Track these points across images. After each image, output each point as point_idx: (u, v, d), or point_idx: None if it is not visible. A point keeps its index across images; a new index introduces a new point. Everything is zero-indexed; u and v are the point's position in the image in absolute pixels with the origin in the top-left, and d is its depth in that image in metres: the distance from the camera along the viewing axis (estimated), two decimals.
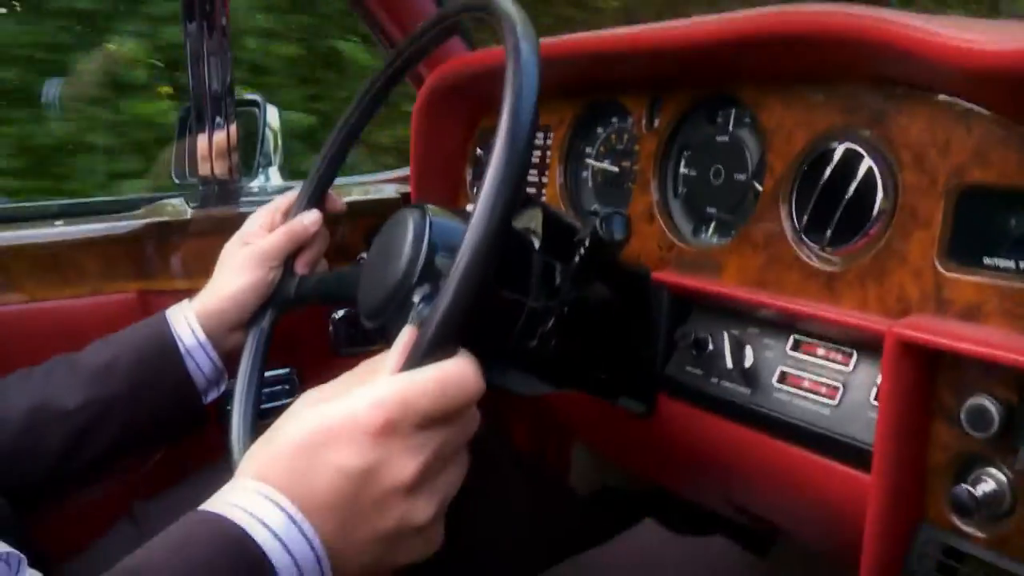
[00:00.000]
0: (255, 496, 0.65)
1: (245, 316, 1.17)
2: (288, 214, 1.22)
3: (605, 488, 1.86)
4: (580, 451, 1.85)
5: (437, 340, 0.71)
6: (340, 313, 1.58)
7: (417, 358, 0.71)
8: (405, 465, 0.68)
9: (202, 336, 1.15)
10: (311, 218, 1.20)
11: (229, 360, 1.19)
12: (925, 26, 0.77)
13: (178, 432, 1.20)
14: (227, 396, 1.38)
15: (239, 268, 1.17)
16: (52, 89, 2.95)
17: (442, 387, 0.69)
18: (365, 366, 0.75)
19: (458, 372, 0.71)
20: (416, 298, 0.86)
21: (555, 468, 1.86)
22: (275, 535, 0.63)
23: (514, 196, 0.73)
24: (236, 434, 1.04)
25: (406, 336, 0.74)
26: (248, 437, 1.03)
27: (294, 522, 0.64)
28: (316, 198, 1.22)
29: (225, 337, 1.17)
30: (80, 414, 1.08)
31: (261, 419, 1.08)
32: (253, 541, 0.63)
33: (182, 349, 1.14)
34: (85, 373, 1.10)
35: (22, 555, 0.76)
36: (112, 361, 1.11)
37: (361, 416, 0.67)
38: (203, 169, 1.53)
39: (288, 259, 1.19)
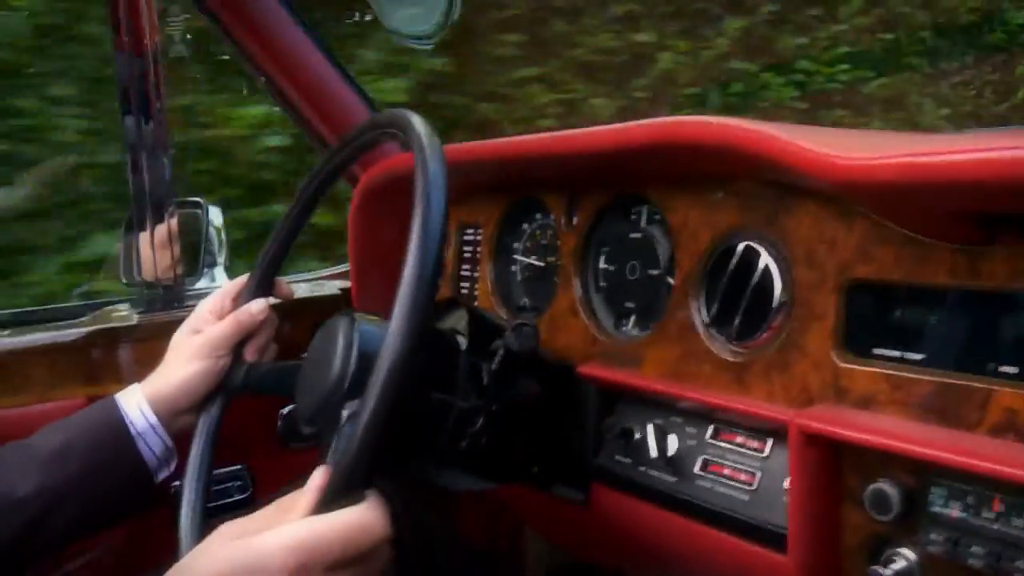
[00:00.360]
0: None
1: (194, 401, 1.18)
2: (238, 300, 1.22)
3: (559, 569, 1.86)
4: (531, 536, 1.86)
5: (344, 486, 0.76)
6: (287, 408, 1.59)
7: (327, 501, 0.75)
8: None
9: (153, 419, 1.15)
10: (258, 306, 1.21)
11: (178, 440, 1.19)
12: (793, 139, 0.82)
13: (130, 512, 1.20)
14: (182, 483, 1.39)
15: (189, 356, 1.17)
16: None
17: (348, 534, 0.73)
18: (278, 505, 0.79)
19: (364, 519, 0.75)
20: (345, 413, 0.89)
21: (508, 555, 1.86)
22: None
23: (422, 316, 0.77)
24: (185, 533, 1.05)
25: (318, 479, 0.78)
26: (196, 537, 1.04)
27: None
28: (264, 286, 1.23)
29: (173, 421, 1.17)
30: (35, 501, 1.08)
31: (211, 516, 1.09)
32: None
33: (133, 432, 1.14)
34: (38, 459, 1.10)
35: None
36: (65, 446, 1.12)
37: (276, 560, 0.71)
38: (147, 272, 1.54)
39: (237, 346, 1.20)
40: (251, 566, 0.70)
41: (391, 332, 0.76)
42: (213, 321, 1.20)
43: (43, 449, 1.11)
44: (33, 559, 1.12)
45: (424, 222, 0.80)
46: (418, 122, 0.90)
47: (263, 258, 1.23)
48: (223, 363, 1.18)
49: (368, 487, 0.77)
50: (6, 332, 1.45)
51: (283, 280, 1.28)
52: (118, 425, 1.14)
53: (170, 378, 1.17)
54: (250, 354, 1.21)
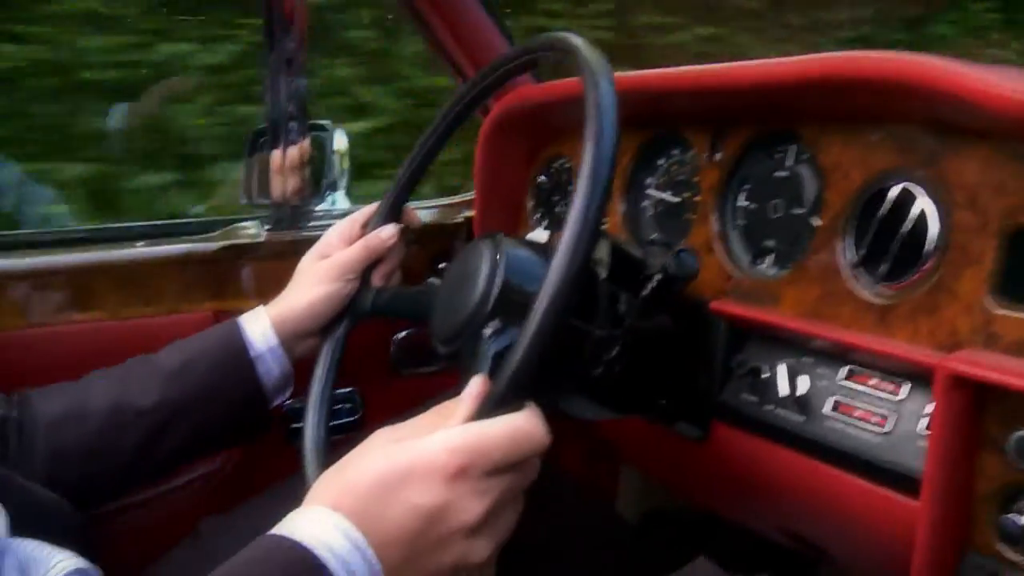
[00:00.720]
0: (328, 526, 0.70)
1: (318, 326, 1.21)
2: (366, 227, 1.25)
3: (653, 513, 1.88)
4: (627, 476, 1.88)
5: (508, 394, 0.77)
6: (402, 334, 1.63)
7: (488, 409, 0.77)
8: (471, 508, 0.73)
9: (274, 341, 1.19)
10: (389, 232, 1.23)
11: (298, 367, 1.23)
12: (980, 75, 0.81)
13: (244, 434, 1.24)
14: (294, 415, 1.43)
15: (317, 279, 1.20)
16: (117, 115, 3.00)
17: (512, 439, 0.75)
18: (436, 412, 0.80)
19: (528, 426, 0.76)
20: (487, 331, 0.90)
21: (604, 493, 1.88)
22: (345, 565, 0.68)
23: (590, 247, 0.78)
24: (309, 450, 1.07)
25: (477, 386, 0.80)
26: (320, 455, 1.07)
27: (363, 556, 0.69)
28: (394, 213, 1.25)
29: (296, 344, 1.21)
30: (155, 414, 1.12)
31: (330, 436, 1.12)
32: (326, 569, 0.68)
33: (252, 354, 1.18)
34: (160, 375, 1.15)
35: (99, 570, 0.81)
36: (186, 364, 1.16)
37: (437, 459, 0.72)
38: (275, 192, 1.58)
39: (365, 271, 1.23)
40: (411, 466, 0.72)
41: (563, 247, 0.77)
42: (341, 246, 1.23)
43: (166, 365, 1.16)
44: (149, 472, 1.17)
45: (597, 146, 0.80)
46: (584, 44, 0.90)
47: (395, 184, 1.25)
48: (351, 287, 1.21)
49: (528, 398, 0.78)
50: (140, 243, 1.50)
51: (411, 207, 1.30)
52: (238, 346, 1.18)
53: (296, 301, 1.21)
54: (377, 279, 1.24)
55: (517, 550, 0.82)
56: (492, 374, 0.81)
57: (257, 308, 1.22)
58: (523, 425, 0.76)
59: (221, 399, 1.17)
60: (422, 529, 0.71)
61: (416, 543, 0.71)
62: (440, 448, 0.73)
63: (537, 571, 1.22)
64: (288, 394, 1.25)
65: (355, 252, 1.21)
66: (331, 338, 1.21)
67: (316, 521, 0.70)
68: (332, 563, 0.68)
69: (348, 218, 1.27)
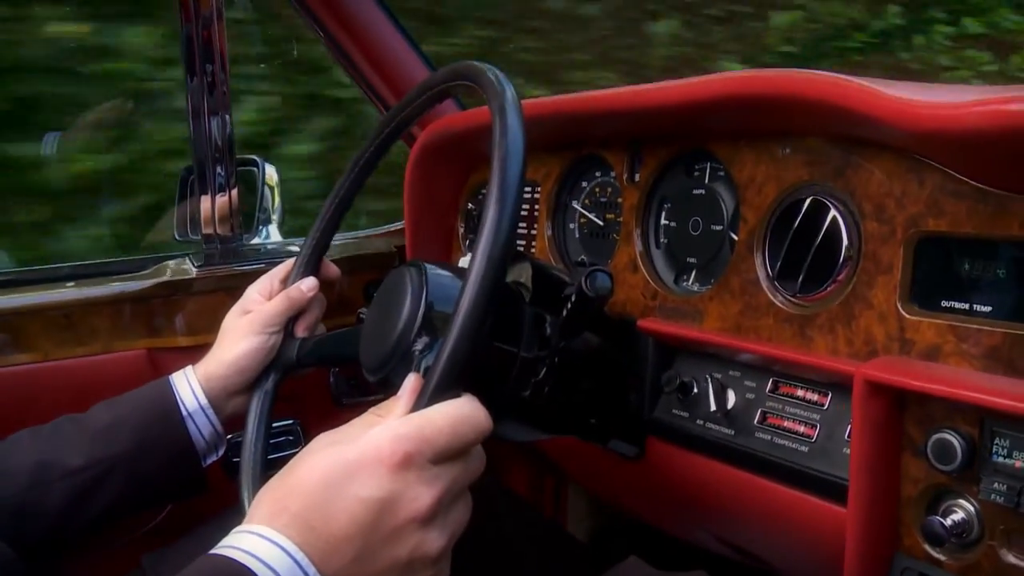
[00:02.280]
0: (260, 541, 0.68)
1: (246, 381, 1.21)
2: (285, 282, 1.26)
3: (603, 530, 1.89)
4: (575, 495, 1.88)
5: (444, 381, 0.76)
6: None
7: (426, 400, 0.76)
8: (421, 496, 0.71)
9: (203, 400, 1.18)
10: (308, 284, 1.24)
11: (229, 425, 1.22)
12: (876, 89, 0.83)
13: (176, 495, 1.22)
14: (231, 450, 1.42)
15: (240, 335, 1.20)
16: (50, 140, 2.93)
17: (454, 424, 0.74)
18: (373, 411, 0.79)
19: (468, 411, 0.76)
20: (418, 347, 0.91)
21: (552, 513, 1.89)
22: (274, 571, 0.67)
23: (508, 246, 0.78)
24: (246, 484, 1.08)
25: (412, 382, 0.79)
26: (257, 486, 1.07)
27: (299, 567, 0.67)
28: (312, 265, 1.26)
29: (226, 402, 1.20)
30: (84, 472, 1.11)
31: (268, 470, 1.12)
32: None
33: (184, 412, 1.17)
34: (89, 432, 1.13)
35: None
36: (116, 421, 1.15)
37: (382, 450, 0.71)
38: (206, 228, 1.58)
39: (288, 324, 1.23)
40: (356, 461, 0.71)
41: (483, 242, 0.77)
42: (262, 302, 1.23)
43: (96, 423, 1.15)
44: (81, 530, 1.14)
45: (504, 167, 0.80)
46: (493, 72, 0.91)
47: (311, 237, 1.26)
48: (274, 340, 1.21)
49: (461, 388, 0.78)
50: (71, 284, 1.48)
51: (329, 261, 1.31)
52: (169, 404, 1.17)
53: (222, 358, 1.20)
54: (300, 331, 1.25)
55: (466, 571, 0.81)
56: (424, 373, 0.81)
57: (186, 368, 1.22)
58: (463, 410, 0.75)
59: (152, 458, 1.15)
60: (372, 522, 0.70)
61: (368, 537, 0.70)
62: (383, 439, 0.72)
63: None
64: (220, 453, 1.24)
65: (276, 305, 1.22)
66: (260, 391, 1.21)
67: (249, 538, 0.69)
68: (261, 570, 0.66)
69: (267, 275, 1.28)
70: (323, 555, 0.69)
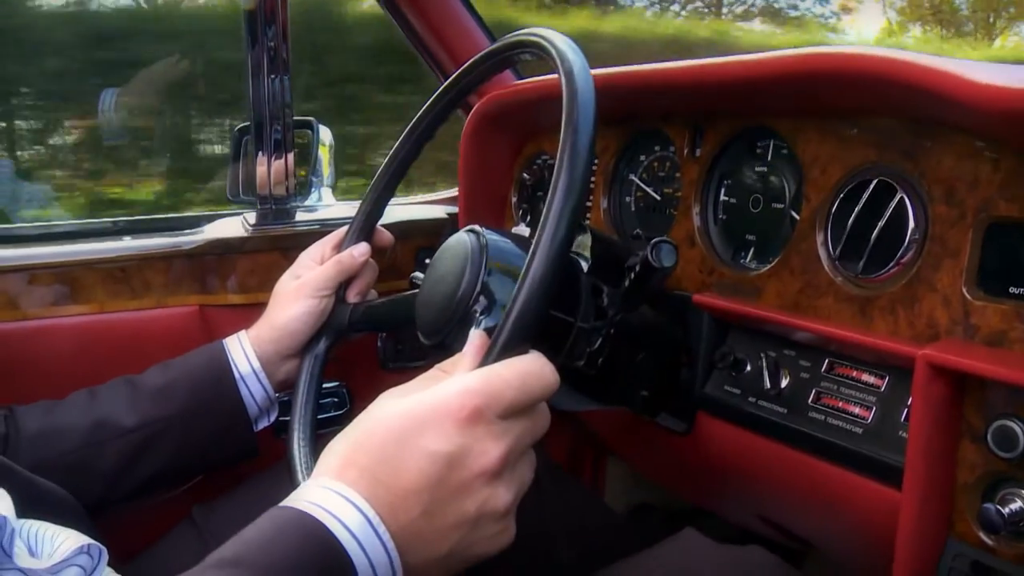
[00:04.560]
0: (330, 494, 0.69)
1: (298, 345, 1.22)
2: (338, 248, 1.28)
3: (642, 506, 1.89)
4: (614, 469, 1.89)
5: (514, 337, 0.76)
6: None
7: (494, 355, 0.76)
8: (489, 451, 0.71)
9: (256, 364, 1.20)
10: (360, 250, 1.26)
11: (280, 390, 1.24)
12: (955, 70, 0.81)
13: (227, 458, 1.24)
14: (280, 408, 1.44)
15: (291, 299, 1.22)
16: (107, 98, 2.94)
17: (523, 379, 0.74)
18: (439, 367, 0.79)
19: (537, 366, 0.75)
20: (477, 310, 0.91)
21: (591, 485, 1.89)
22: (354, 536, 0.67)
23: (579, 207, 0.78)
24: (296, 447, 1.09)
25: (477, 339, 0.79)
26: (307, 450, 1.08)
27: (370, 523, 0.68)
28: (366, 231, 1.28)
29: (278, 366, 1.22)
30: (137, 433, 1.13)
31: (317, 430, 1.13)
32: (337, 540, 0.66)
33: (236, 375, 1.19)
34: (144, 393, 1.15)
35: (103, 547, 0.81)
36: (170, 383, 1.17)
37: (452, 404, 0.71)
38: (261, 187, 1.59)
39: (340, 289, 1.25)
40: (424, 415, 0.71)
41: (554, 207, 0.77)
42: (314, 267, 1.25)
43: (150, 384, 1.17)
44: (129, 493, 1.16)
45: (575, 138, 0.80)
46: (562, 40, 0.91)
47: (366, 201, 1.27)
48: (325, 304, 1.23)
49: (530, 345, 0.77)
50: (127, 238, 1.50)
51: (382, 228, 1.32)
52: (222, 368, 1.19)
53: (274, 322, 1.22)
54: (352, 296, 1.27)
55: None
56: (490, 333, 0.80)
57: (239, 332, 1.24)
58: (531, 366, 0.75)
59: (205, 420, 1.17)
60: (441, 477, 0.69)
61: (436, 492, 0.70)
62: (452, 393, 0.71)
63: (521, 552, 1.22)
64: (272, 418, 1.26)
65: (327, 270, 1.24)
66: (310, 355, 1.23)
67: (319, 489, 0.69)
68: (342, 534, 0.66)
69: (320, 241, 1.30)
70: (391, 509, 0.69)
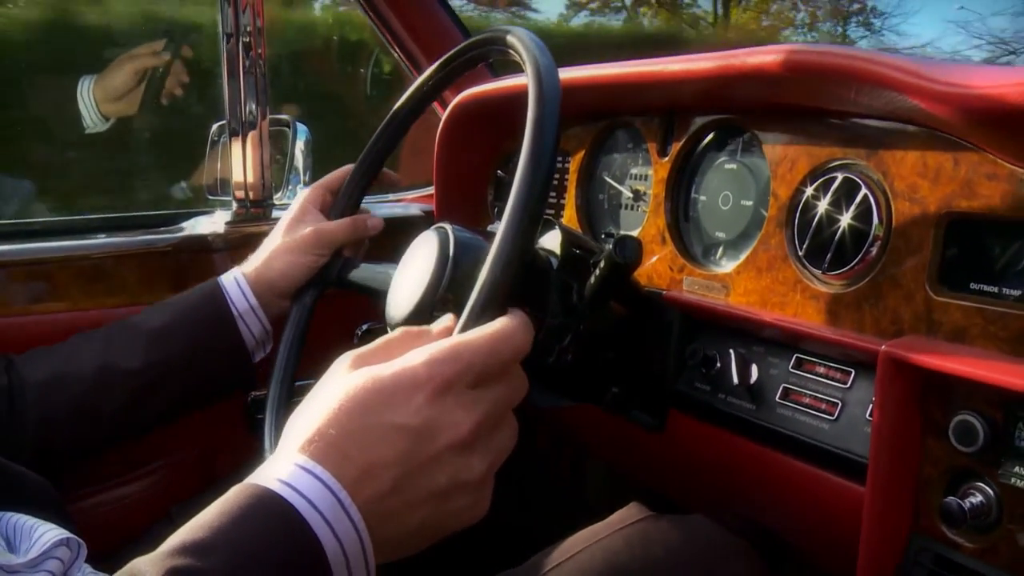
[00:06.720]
0: (294, 468, 0.66)
1: (292, 287, 1.24)
2: (335, 192, 1.29)
3: (620, 504, 1.89)
4: (594, 467, 1.89)
5: (483, 304, 0.75)
6: (364, 327, 1.64)
7: (462, 322, 0.74)
8: (460, 422, 0.68)
9: (254, 301, 1.22)
10: (374, 222, 1.29)
11: (276, 323, 1.26)
12: (917, 68, 0.82)
13: (228, 390, 1.27)
14: (256, 407, 1.44)
15: (295, 247, 1.24)
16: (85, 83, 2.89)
17: (492, 344, 0.71)
18: (406, 331, 0.76)
19: (509, 328, 0.73)
20: (443, 304, 0.92)
21: (570, 483, 1.90)
22: (322, 515, 0.64)
23: (548, 179, 0.80)
24: (269, 418, 1.10)
25: (447, 321, 0.77)
26: (284, 412, 1.09)
27: (339, 501, 0.65)
28: (367, 180, 1.28)
29: (272, 303, 1.24)
30: (143, 375, 1.15)
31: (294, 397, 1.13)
32: (305, 522, 0.64)
33: (235, 312, 1.21)
34: (145, 336, 1.17)
35: (82, 541, 0.81)
36: (169, 324, 1.18)
37: (420, 375, 0.68)
38: (237, 185, 1.58)
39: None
40: (393, 387, 0.68)
41: (518, 184, 0.78)
42: (317, 213, 1.27)
43: (150, 326, 1.18)
44: (135, 430, 1.19)
45: (538, 133, 0.81)
46: (531, 38, 0.91)
47: (347, 187, 1.28)
48: (324, 260, 1.25)
49: (506, 304, 0.76)
50: (102, 235, 1.50)
51: (390, 171, 1.34)
52: (221, 306, 1.21)
53: (273, 264, 1.24)
54: (348, 250, 1.29)
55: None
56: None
57: (233, 269, 1.25)
58: (501, 330, 0.72)
59: (206, 359, 1.20)
60: (410, 450, 0.67)
61: (406, 465, 0.67)
62: (420, 363, 0.68)
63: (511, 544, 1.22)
64: (268, 349, 1.27)
65: (340, 229, 1.25)
66: (299, 304, 1.24)
67: (281, 463, 0.66)
68: (306, 510, 0.64)
69: (318, 184, 1.31)
70: (356, 483, 0.66)
